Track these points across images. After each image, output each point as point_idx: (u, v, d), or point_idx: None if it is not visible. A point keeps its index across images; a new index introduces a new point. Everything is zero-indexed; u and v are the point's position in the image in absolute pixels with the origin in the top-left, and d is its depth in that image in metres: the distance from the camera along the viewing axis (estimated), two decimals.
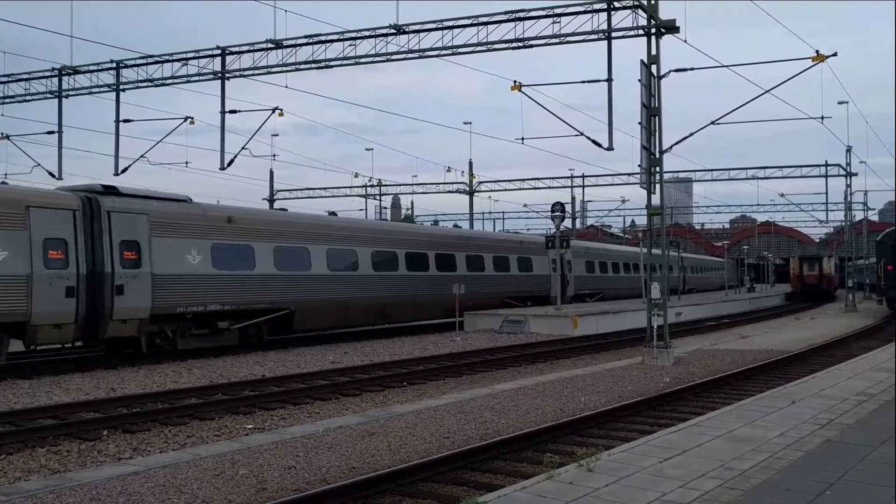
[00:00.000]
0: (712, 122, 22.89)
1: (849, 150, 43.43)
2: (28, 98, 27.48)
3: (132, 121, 27.21)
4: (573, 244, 37.23)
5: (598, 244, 47.40)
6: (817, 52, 20.25)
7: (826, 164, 44.95)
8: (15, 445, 9.96)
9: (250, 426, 11.42)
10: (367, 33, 22.58)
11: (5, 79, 27.50)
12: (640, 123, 18.12)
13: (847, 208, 47.39)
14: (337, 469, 8.45)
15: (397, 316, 27.47)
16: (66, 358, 18.12)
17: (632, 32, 19.13)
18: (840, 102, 38.94)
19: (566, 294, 35.33)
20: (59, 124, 27.69)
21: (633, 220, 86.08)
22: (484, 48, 21.48)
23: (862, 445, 7.79)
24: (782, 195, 55.74)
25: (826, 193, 48.52)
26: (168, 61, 25.07)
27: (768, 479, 6.60)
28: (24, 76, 27.27)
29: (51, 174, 28.71)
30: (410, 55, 22.34)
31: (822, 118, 28.82)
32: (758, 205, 74.52)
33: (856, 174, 44.35)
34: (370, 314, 25.58)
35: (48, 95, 27.05)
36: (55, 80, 26.71)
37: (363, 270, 24.91)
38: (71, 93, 26.70)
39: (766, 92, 21.09)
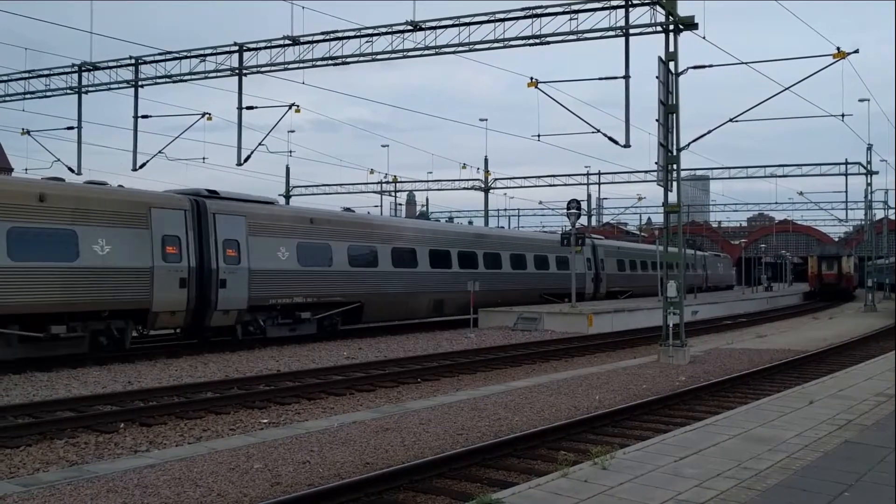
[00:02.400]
0: (731, 120, 22.77)
1: (869, 147, 43.00)
2: (48, 94, 27.74)
3: (150, 116, 27.42)
4: (229, 205, 20.36)
5: (354, 216, 26.65)
6: (838, 48, 20.05)
7: (846, 163, 44.50)
8: (34, 437, 10.07)
9: (265, 420, 11.47)
10: (383, 30, 22.60)
11: (26, 75, 27.78)
12: (657, 120, 18.02)
13: (867, 207, 46.94)
14: (351, 464, 8.47)
15: None
16: (84, 352, 18.25)
17: (650, 29, 19.03)
18: (861, 100, 38.51)
19: (211, 308, 19.15)
20: (79, 120, 27.93)
21: (649, 218, 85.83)
22: (501, 45, 21.44)
23: (881, 447, 7.70)
24: (801, 193, 55.24)
25: (846, 192, 48.34)
26: (186, 58, 25.22)
27: (785, 479, 6.55)
28: (45, 72, 27.53)
29: (70, 169, 28.98)
30: (427, 52, 22.35)
31: (843, 116, 28.56)
32: (776, 203, 73.95)
33: (876, 172, 43.87)
34: None
35: (68, 91, 27.29)
36: (75, 76, 26.94)
37: None
38: (90, 89, 26.94)
39: (786, 89, 20.92)
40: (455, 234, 30.11)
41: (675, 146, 18.26)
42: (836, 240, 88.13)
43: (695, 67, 20.06)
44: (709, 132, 21.99)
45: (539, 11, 20.79)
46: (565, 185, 50.77)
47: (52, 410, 11.66)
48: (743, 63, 21.59)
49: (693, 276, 54.47)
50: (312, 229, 22.81)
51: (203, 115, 27.31)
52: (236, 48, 24.55)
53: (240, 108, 25.41)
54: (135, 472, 7.89)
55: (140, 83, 26.15)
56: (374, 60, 23.21)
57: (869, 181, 44.10)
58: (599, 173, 52.37)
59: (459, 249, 28.94)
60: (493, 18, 21.35)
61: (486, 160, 48.18)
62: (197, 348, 19.54)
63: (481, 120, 46.46)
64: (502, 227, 43.75)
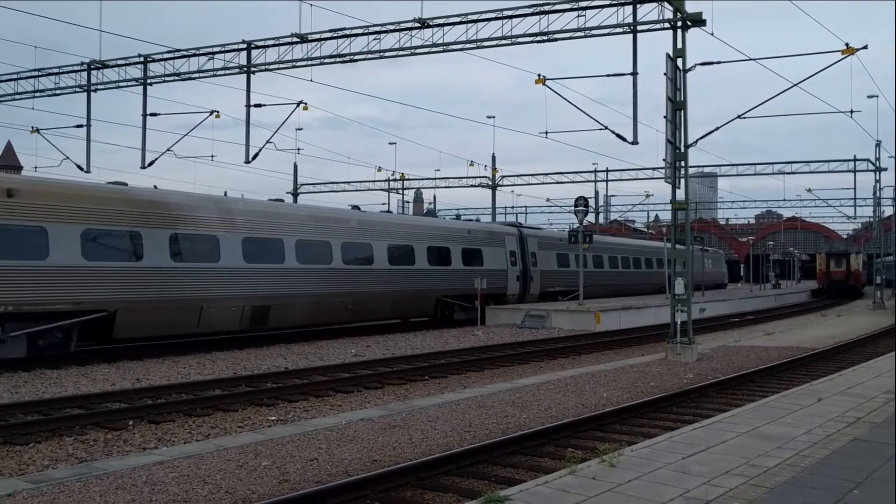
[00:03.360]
0: (738, 117, 22.74)
1: (878, 144, 42.75)
2: (58, 92, 27.82)
3: (159, 114, 27.45)
4: None
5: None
6: (847, 44, 19.99)
7: (855, 159, 44.30)
8: (43, 434, 10.11)
9: (273, 418, 11.50)
10: (391, 27, 22.59)
11: (36, 73, 27.87)
12: (665, 117, 17.98)
13: (876, 204, 46.72)
14: (359, 461, 8.48)
15: None
16: (94, 349, 18.33)
17: (657, 26, 18.98)
18: (870, 96, 38.31)
19: None
20: (88, 118, 28.03)
21: (657, 215, 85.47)
22: (508, 42, 21.41)
23: (890, 444, 7.66)
24: (809, 190, 55.05)
25: (854, 189, 48.00)
26: (195, 55, 25.26)
27: (794, 476, 6.53)
28: (55, 70, 27.60)
29: (79, 167, 29.09)
30: (435, 49, 22.32)
31: (852, 112, 28.49)
32: (784, 200, 73.55)
33: (885, 169, 43.64)
34: None
35: (77, 89, 27.37)
36: (84, 74, 27.01)
37: None
38: (99, 87, 27.01)
39: (794, 86, 20.86)
40: (295, 217, 22.24)
41: (682, 143, 18.21)
42: (845, 237, 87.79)
43: (703, 64, 20.04)
44: (717, 129, 21.97)
45: (547, 8, 20.75)
46: (573, 182, 50.74)
47: (62, 407, 11.71)
48: (751, 59, 21.55)
49: (653, 276, 45.74)
50: (11, 206, 15.71)
51: (211, 112, 27.35)
52: (244, 46, 24.58)
53: (248, 106, 25.48)
54: (143, 469, 7.92)
55: (149, 81, 26.21)
56: (381, 58, 23.20)
57: (878, 178, 43.90)
58: (607, 170, 52.26)
59: (300, 238, 21.68)
60: (500, 15, 21.32)
61: (493, 157, 48.13)
62: (205, 346, 19.59)
63: (489, 117, 46.63)
64: (389, 213, 30.86)
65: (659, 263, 44.73)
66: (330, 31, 23.27)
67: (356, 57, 23.24)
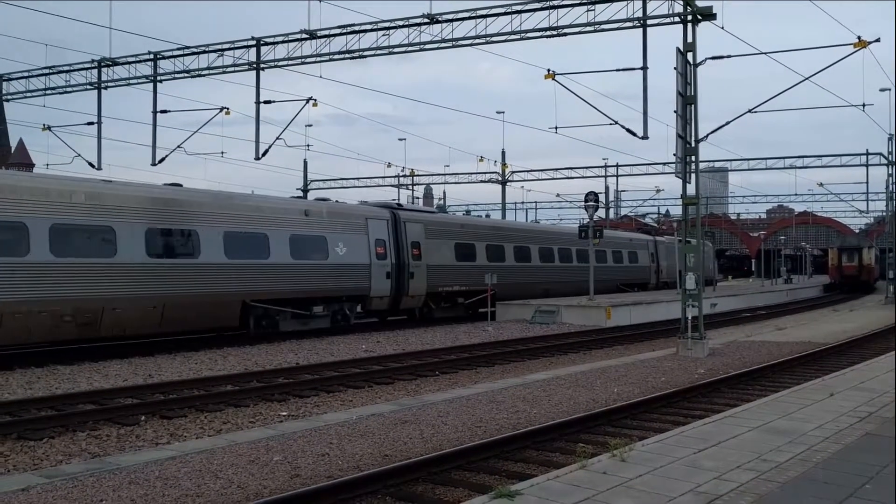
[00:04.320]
0: (749, 111, 22.55)
1: (890, 138, 42.46)
2: (69, 90, 28.00)
3: (169, 111, 27.59)
4: None
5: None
6: (859, 37, 19.84)
7: (867, 153, 44.07)
8: (56, 430, 10.18)
9: (284, 413, 11.54)
10: (400, 23, 22.59)
11: (47, 71, 28.04)
12: (675, 112, 17.90)
13: (888, 198, 46.41)
14: (370, 456, 8.51)
15: None
16: (107, 345, 18.45)
17: (667, 20, 18.89)
18: (882, 90, 38.00)
19: None
20: (99, 115, 28.18)
21: (667, 210, 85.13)
22: (517, 37, 21.37)
23: None
24: (821, 185, 54.68)
25: (867, 183, 47.71)
26: (204, 52, 25.34)
27: (806, 471, 6.51)
28: (65, 68, 27.77)
29: (90, 164, 29.24)
30: (444, 45, 22.30)
31: (864, 106, 28.27)
32: (795, 194, 72.94)
33: None
34: None
35: (88, 87, 27.53)
36: (95, 71, 27.16)
37: None
38: (110, 84, 27.15)
39: (806, 79, 20.68)
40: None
41: (693, 138, 18.13)
42: (857, 231, 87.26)
43: (713, 58, 19.90)
44: (727, 123, 21.81)
45: (556, 3, 20.69)
46: (583, 177, 50.66)
47: (75, 403, 11.80)
48: (762, 53, 21.40)
49: (630, 270, 39.89)
50: None
51: (221, 109, 27.45)
52: (254, 42, 24.63)
53: (258, 103, 25.51)
54: (156, 464, 7.97)
55: (159, 78, 26.32)
56: (391, 54, 23.21)
57: (890, 171, 43.65)
58: (617, 165, 52.14)
59: (57, 222, 15.86)
60: (509, 10, 21.28)
61: (503, 153, 48.10)
62: (216, 342, 19.68)
63: (498, 112, 46.58)
64: (175, 185, 20.23)
65: (616, 257, 38.40)
66: (339, 27, 23.30)
67: (365, 53, 23.26)
